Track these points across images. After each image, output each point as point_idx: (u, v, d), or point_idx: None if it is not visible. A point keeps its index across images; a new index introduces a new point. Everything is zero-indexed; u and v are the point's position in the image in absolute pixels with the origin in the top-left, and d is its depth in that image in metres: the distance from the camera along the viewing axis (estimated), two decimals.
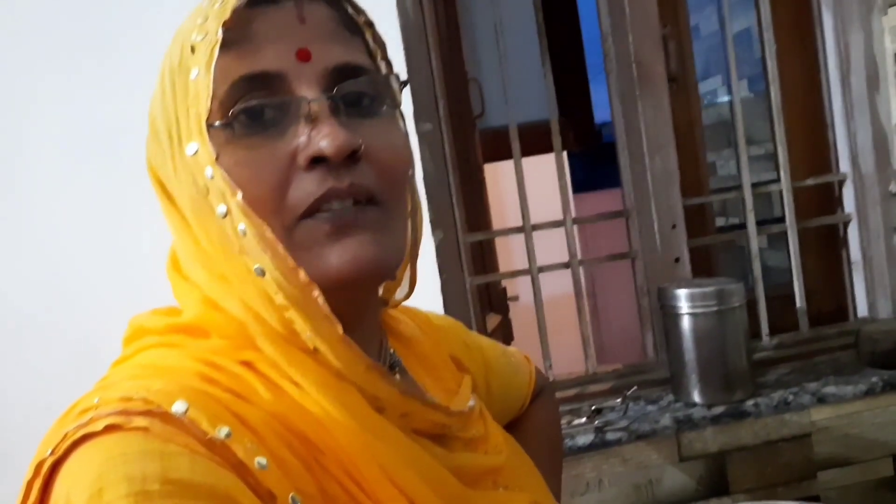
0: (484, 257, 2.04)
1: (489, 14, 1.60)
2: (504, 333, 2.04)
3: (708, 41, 2.50)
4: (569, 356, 1.97)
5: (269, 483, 0.46)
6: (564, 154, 3.12)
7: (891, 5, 1.55)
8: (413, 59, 1.40)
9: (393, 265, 0.56)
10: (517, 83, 1.61)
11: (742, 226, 1.67)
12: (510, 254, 3.53)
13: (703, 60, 2.58)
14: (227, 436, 0.46)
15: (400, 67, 1.36)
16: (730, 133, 2.21)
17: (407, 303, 0.70)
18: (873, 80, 1.60)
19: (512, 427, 0.87)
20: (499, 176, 3.64)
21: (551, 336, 1.60)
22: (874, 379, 1.47)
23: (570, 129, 2.93)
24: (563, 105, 3.07)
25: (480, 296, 1.82)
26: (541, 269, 1.60)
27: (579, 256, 1.59)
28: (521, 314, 2.25)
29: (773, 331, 1.65)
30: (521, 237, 1.59)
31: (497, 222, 2.35)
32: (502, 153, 1.68)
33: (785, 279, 1.70)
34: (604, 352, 4.17)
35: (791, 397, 1.44)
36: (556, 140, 1.59)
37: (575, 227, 1.62)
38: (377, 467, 0.51)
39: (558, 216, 1.60)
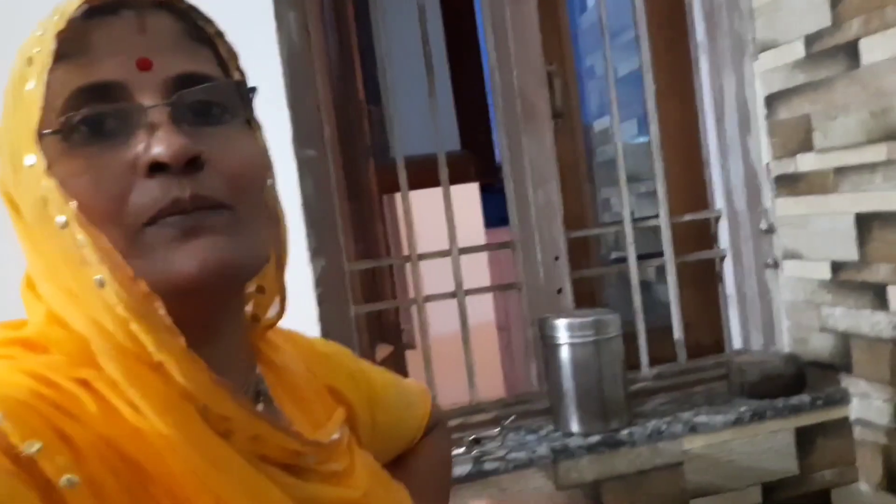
0: (378, 286, 2.04)
1: (394, 46, 1.62)
2: (396, 364, 2.03)
3: (603, 81, 2.59)
4: (485, 384, 1.96)
5: (75, 503, 0.45)
6: (473, 186, 3.13)
7: (762, 50, 1.64)
8: (296, 85, 1.40)
9: (247, 268, 0.55)
10: (420, 114, 1.63)
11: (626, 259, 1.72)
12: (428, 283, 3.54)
13: (600, 100, 2.67)
14: (37, 451, 0.45)
15: (280, 92, 1.35)
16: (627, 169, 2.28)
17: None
18: (745, 122, 1.69)
19: (400, 460, 0.85)
20: (421, 204, 3.68)
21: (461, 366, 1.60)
22: (743, 409, 1.52)
23: (474, 161, 2.98)
24: (469, 138, 3.12)
25: (371, 326, 1.81)
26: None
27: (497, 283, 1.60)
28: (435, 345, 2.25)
29: (655, 362, 1.70)
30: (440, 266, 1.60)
31: (421, 248, 2.35)
32: (417, 183, 1.68)
33: (671, 314, 1.75)
34: (518, 382, 4.21)
35: (665, 426, 1.48)
36: (443, 172, 1.60)
37: (486, 258, 1.63)
38: (211, 497, 0.50)
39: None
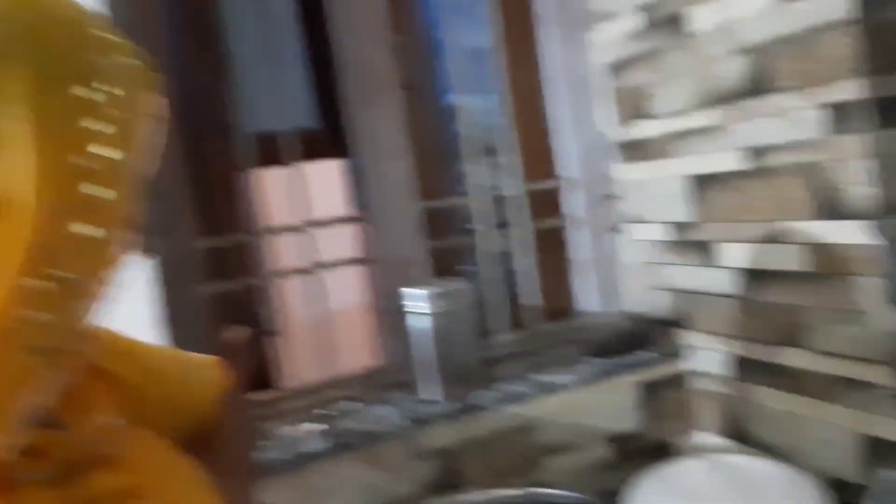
0: (240, 268, 1.97)
1: (245, 18, 1.56)
2: (256, 347, 1.97)
3: (459, 55, 2.60)
4: (357, 363, 1.93)
5: None
6: (334, 164, 3.06)
7: (601, 21, 1.69)
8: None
9: None
10: (276, 90, 1.59)
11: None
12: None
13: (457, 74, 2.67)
14: None
15: None
16: (482, 142, 2.31)
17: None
18: (589, 90, 1.74)
19: (197, 436, 0.82)
20: (281, 182, 3.58)
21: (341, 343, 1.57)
22: (590, 367, 1.58)
23: (331, 138, 2.92)
24: (327, 114, 3.05)
25: (227, 309, 1.74)
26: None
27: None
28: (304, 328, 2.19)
29: (511, 329, 1.74)
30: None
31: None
32: (270, 159, 1.63)
33: (524, 281, 1.79)
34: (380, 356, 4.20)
35: (518, 390, 1.51)
36: (290, 149, 1.56)
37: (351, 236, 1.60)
38: None
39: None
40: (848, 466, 1.33)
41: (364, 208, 1.62)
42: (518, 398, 1.51)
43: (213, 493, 0.69)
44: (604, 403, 1.59)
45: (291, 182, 1.56)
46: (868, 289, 1.24)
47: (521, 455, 1.52)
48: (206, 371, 0.85)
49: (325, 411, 1.48)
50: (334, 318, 1.64)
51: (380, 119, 1.58)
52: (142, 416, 0.70)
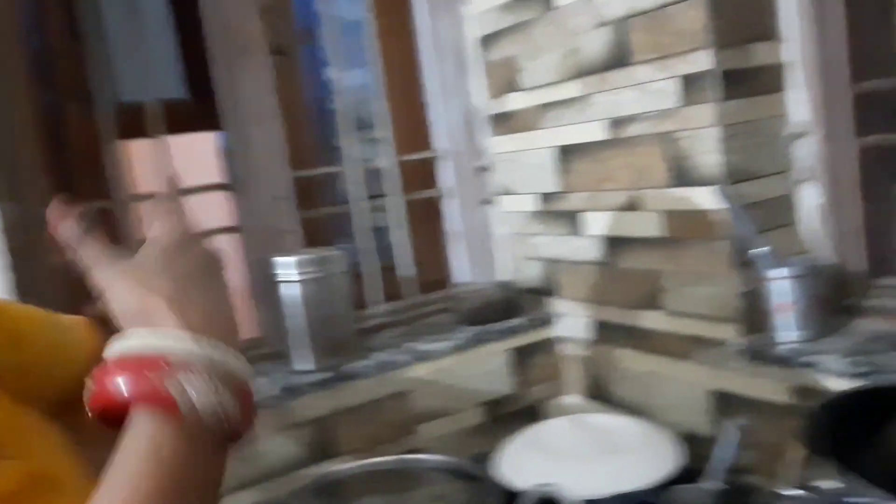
0: (106, 233, 1.88)
1: None
2: None
3: (331, 25, 2.57)
4: None
5: None
6: (209, 136, 2.95)
7: None
8: None
9: None
10: (146, 57, 1.53)
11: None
12: None
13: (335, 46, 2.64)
14: None
15: None
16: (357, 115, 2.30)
17: None
18: (461, 64, 1.76)
19: (70, 397, 0.79)
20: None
21: None
22: (464, 335, 1.61)
23: (203, 110, 2.83)
24: (197, 86, 2.95)
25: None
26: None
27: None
28: None
29: (388, 299, 1.74)
30: None
31: None
32: (136, 130, 1.56)
33: (400, 252, 1.79)
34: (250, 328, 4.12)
35: (392, 357, 1.52)
36: (158, 119, 1.50)
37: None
38: None
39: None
40: (700, 420, 1.42)
41: (234, 176, 1.58)
42: (392, 366, 1.52)
43: (75, 456, 0.67)
44: (477, 370, 1.62)
45: (158, 152, 1.51)
46: (718, 251, 1.32)
47: (395, 422, 1.53)
48: (73, 330, 0.82)
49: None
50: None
51: (248, 84, 1.54)
52: (14, 379, 0.66)
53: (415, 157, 1.81)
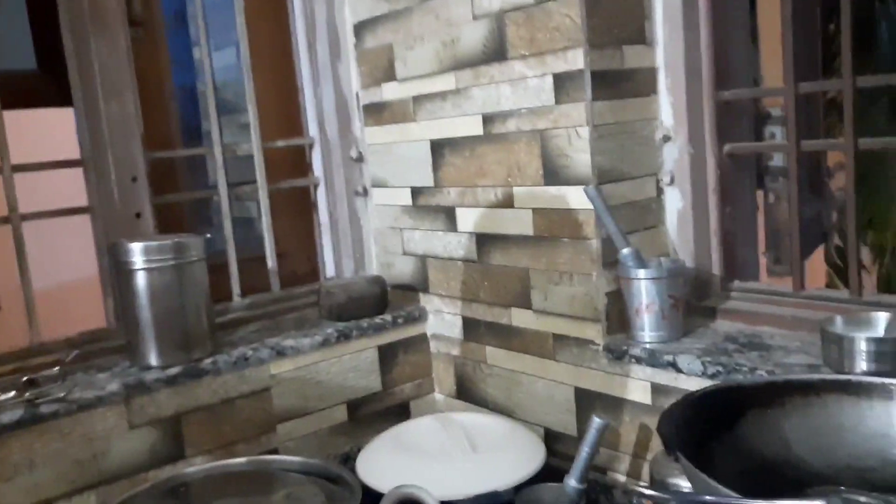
0: None
1: None
2: None
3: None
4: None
5: None
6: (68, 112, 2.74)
7: None
8: None
9: None
10: None
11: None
12: None
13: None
14: None
15: None
16: (226, 98, 2.18)
17: None
18: (335, 49, 1.69)
19: None
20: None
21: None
22: (330, 330, 1.55)
23: (54, 80, 2.62)
24: (48, 58, 2.73)
25: None
26: None
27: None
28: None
29: (252, 292, 1.66)
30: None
31: None
32: None
33: (267, 242, 1.71)
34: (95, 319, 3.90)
35: (251, 353, 1.44)
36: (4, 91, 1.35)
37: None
38: None
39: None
40: (565, 419, 1.42)
41: (85, 154, 1.45)
42: (251, 363, 1.44)
43: None
44: (343, 367, 1.56)
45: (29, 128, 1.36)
46: (585, 251, 1.32)
47: (252, 422, 1.45)
48: None
49: (29, 378, 1.31)
50: (56, 276, 1.47)
51: (102, 57, 1.42)
52: None
53: (283, 143, 1.73)
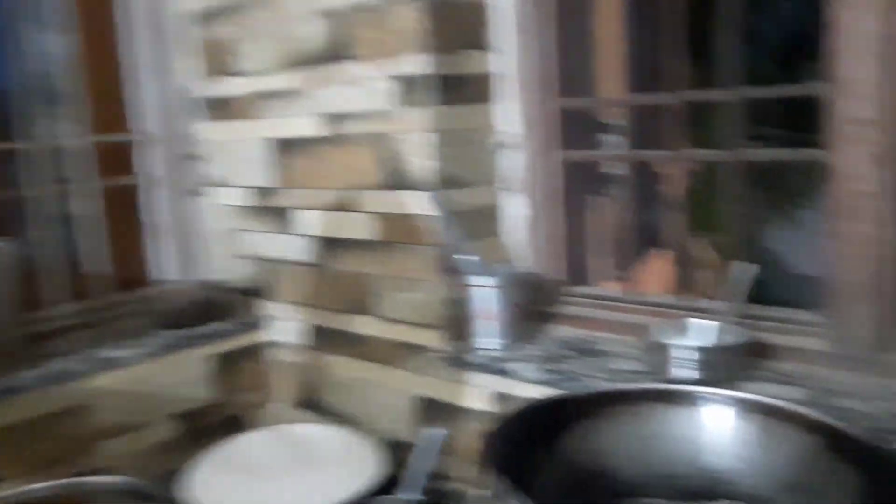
0: None
1: None
2: None
3: None
4: None
5: None
6: None
7: None
8: None
9: None
10: None
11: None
12: None
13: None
14: None
15: None
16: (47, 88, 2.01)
17: None
18: (170, 40, 1.59)
19: None
20: None
21: None
22: (160, 340, 1.45)
23: None
24: None
25: None
26: None
27: None
28: None
29: (74, 298, 1.53)
30: None
31: None
32: None
33: (89, 246, 1.58)
34: None
35: (70, 366, 1.33)
36: None
37: None
38: None
39: None
40: (407, 428, 1.40)
41: None
42: (69, 377, 1.32)
43: None
44: (173, 378, 1.47)
45: None
46: (427, 257, 1.30)
47: (69, 441, 1.33)
48: None
49: None
50: None
51: None
52: None
53: (110, 138, 1.60)
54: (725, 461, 0.90)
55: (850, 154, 1.02)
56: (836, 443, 0.81)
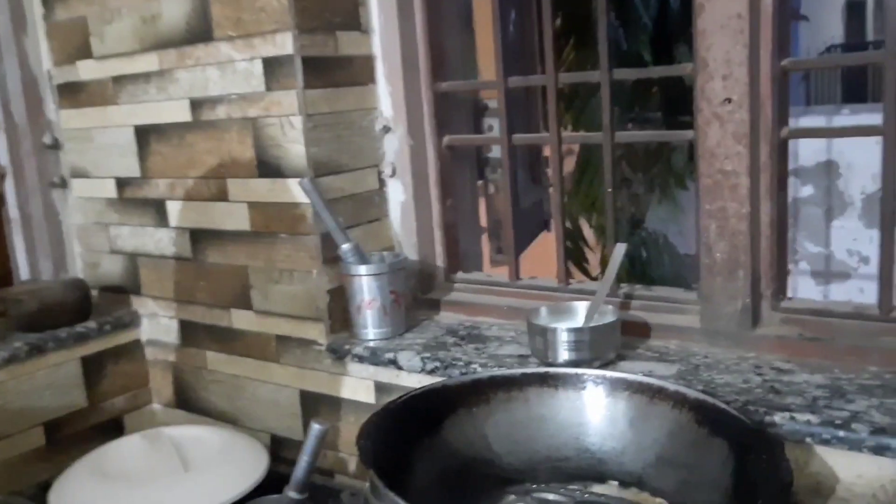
0: None
1: None
2: None
3: None
4: None
5: None
6: None
7: None
8: None
9: None
10: None
11: None
12: None
13: None
14: None
15: None
16: None
17: None
18: (20, 21, 1.47)
19: None
20: None
21: None
22: (19, 344, 1.35)
23: None
24: None
25: None
26: None
27: None
28: None
29: None
30: None
31: None
32: None
33: None
34: None
35: None
36: None
37: None
38: None
39: None
40: (290, 424, 1.35)
41: None
42: None
43: None
44: (38, 385, 1.37)
45: None
46: (305, 247, 1.25)
47: None
48: None
49: None
50: None
51: None
52: None
53: None
54: (607, 441, 0.91)
55: (716, 133, 1.04)
56: (706, 417, 0.83)
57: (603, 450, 0.91)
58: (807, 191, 4.41)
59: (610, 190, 1.22)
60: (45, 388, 1.38)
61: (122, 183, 1.46)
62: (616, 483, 0.88)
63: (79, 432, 1.42)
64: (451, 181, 1.38)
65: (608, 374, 0.91)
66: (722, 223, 1.06)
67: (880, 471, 0.84)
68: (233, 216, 1.32)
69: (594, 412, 0.92)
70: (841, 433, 0.84)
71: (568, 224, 3.25)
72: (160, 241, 1.43)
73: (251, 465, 1.22)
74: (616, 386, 0.89)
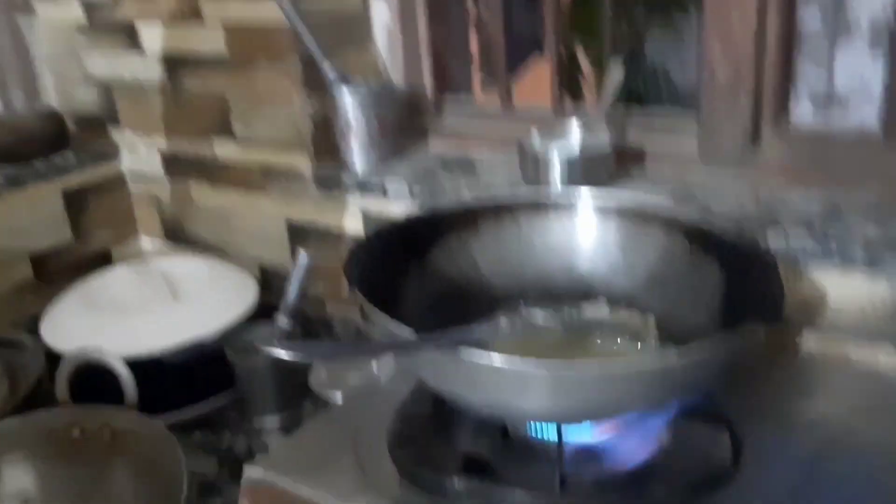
0: None
1: None
2: None
3: None
4: None
5: None
6: None
7: None
8: None
9: None
10: None
11: None
12: None
13: None
14: None
15: None
16: None
17: None
18: None
19: None
20: None
21: None
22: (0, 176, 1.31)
23: None
24: None
25: None
26: None
27: None
28: None
29: None
30: None
31: None
32: None
33: None
34: None
35: None
36: None
37: None
38: None
39: None
40: (278, 254, 1.34)
41: None
42: None
43: None
44: (20, 219, 1.34)
45: None
46: (286, 72, 1.19)
47: None
48: None
49: None
50: None
51: None
52: None
53: None
54: (598, 265, 0.90)
55: None
56: (698, 238, 0.81)
57: (594, 273, 0.90)
58: (812, 13, 4.23)
59: (613, 13, 1.14)
60: (29, 223, 1.36)
61: (90, 7, 1.37)
62: (605, 299, 0.87)
63: (68, 265, 1.41)
64: (440, 3, 1.30)
65: (600, 197, 0.89)
66: (726, 43, 1.00)
67: (872, 286, 0.84)
68: (209, 41, 1.24)
69: (585, 236, 0.90)
70: (833, 246, 0.83)
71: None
72: (135, 68, 1.36)
73: (241, 294, 1.22)
74: (608, 209, 0.87)
